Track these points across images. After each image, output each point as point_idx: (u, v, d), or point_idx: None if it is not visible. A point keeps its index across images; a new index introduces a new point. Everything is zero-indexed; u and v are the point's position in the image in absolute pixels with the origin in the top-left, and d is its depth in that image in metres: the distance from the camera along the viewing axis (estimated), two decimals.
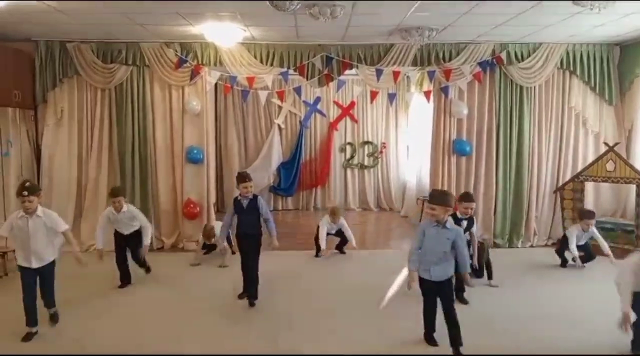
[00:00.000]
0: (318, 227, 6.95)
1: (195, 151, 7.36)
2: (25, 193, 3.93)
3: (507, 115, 7.56)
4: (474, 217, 5.03)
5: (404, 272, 6.20)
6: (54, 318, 4.45)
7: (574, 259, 6.07)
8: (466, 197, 5.05)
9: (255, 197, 5.10)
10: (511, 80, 7.46)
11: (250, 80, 7.40)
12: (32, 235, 4.08)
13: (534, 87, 7.54)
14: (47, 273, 4.26)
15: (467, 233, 5.04)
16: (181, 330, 4.40)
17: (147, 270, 5.95)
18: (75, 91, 7.32)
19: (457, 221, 4.88)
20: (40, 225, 4.14)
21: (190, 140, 7.44)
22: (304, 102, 10.49)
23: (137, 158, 7.33)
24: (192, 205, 7.37)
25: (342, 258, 6.99)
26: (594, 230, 6.18)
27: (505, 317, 4.70)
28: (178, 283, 5.82)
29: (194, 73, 7.26)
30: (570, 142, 7.75)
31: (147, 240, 5.59)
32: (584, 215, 6.20)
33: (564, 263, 6.51)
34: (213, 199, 7.97)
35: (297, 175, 10.76)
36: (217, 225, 6.30)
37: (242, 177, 5.03)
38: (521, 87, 7.49)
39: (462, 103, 7.52)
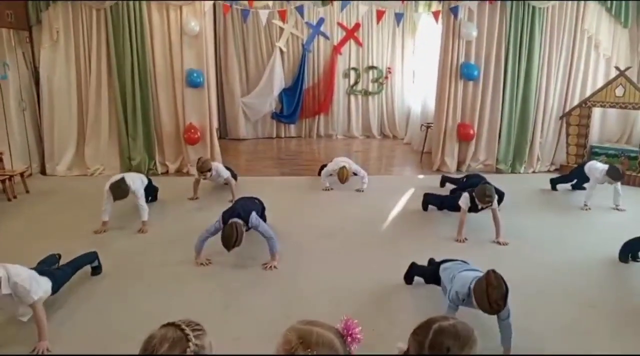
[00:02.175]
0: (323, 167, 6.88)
1: (195, 74, 7.19)
2: None
3: (517, 37, 7.30)
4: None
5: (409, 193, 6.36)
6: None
7: (585, 205, 5.80)
8: (483, 199, 4.60)
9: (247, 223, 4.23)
10: (524, 0, 7.12)
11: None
12: None
13: (547, 7, 7.21)
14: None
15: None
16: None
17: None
18: (70, 11, 7.03)
19: (475, 208, 4.76)
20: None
21: (189, 63, 7.26)
22: (306, 23, 10.09)
23: (137, 81, 7.17)
24: (192, 130, 7.32)
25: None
26: (617, 186, 5.76)
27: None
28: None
29: None
30: (580, 66, 7.56)
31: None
32: (614, 176, 5.61)
33: (553, 188, 6.64)
34: (215, 124, 7.91)
35: (299, 101, 10.57)
36: (214, 165, 6.02)
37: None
38: (533, 8, 7.17)
39: (471, 24, 7.23)
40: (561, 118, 7.64)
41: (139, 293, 3.76)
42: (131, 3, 6.96)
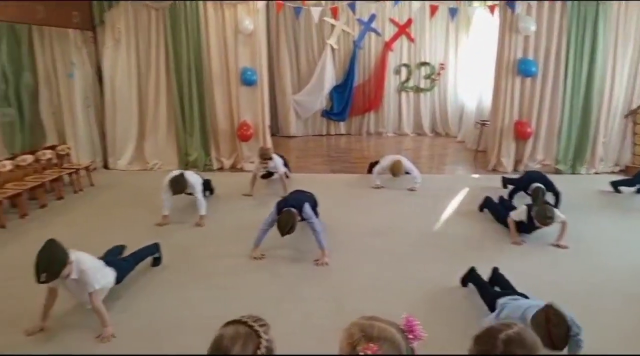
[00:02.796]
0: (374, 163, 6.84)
1: (249, 72, 7.33)
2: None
3: (579, 31, 6.97)
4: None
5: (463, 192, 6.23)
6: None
7: None
8: (543, 221, 4.35)
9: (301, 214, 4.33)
10: None
11: None
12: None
13: (613, 2, 6.83)
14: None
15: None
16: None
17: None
18: (131, 12, 7.35)
19: (533, 225, 4.54)
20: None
21: (243, 61, 7.41)
22: (358, 20, 10.05)
23: (193, 79, 7.40)
24: (246, 127, 7.47)
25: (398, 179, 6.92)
26: None
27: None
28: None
29: None
30: None
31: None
32: None
33: (616, 191, 6.29)
34: (268, 121, 8.03)
35: (349, 99, 10.55)
36: (274, 157, 6.21)
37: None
38: (598, 1, 6.81)
39: (530, 18, 6.96)
40: (626, 116, 7.24)
41: (195, 284, 3.89)
42: (188, 3, 7.17)
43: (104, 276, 3.24)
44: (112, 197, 6.26)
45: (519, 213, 4.65)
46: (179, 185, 5.03)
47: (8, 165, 5.59)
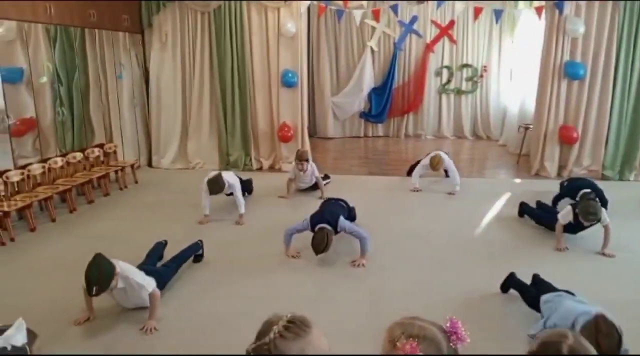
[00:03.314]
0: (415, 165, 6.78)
1: (290, 74, 7.42)
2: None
3: (631, 33, 6.70)
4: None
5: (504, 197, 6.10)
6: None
7: None
8: (588, 217, 4.28)
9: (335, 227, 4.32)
10: None
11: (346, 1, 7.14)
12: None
13: None
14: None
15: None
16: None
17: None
18: (177, 15, 7.58)
19: (580, 225, 4.46)
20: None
21: (285, 64, 7.50)
22: (399, 22, 10.00)
23: (236, 81, 7.56)
24: (286, 129, 7.55)
25: (437, 183, 6.84)
26: None
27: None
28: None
29: None
30: None
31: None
32: None
33: None
34: (306, 123, 8.10)
35: (388, 100, 10.50)
36: (312, 163, 6.24)
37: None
38: None
39: (578, 20, 6.75)
40: None
41: (234, 281, 3.98)
42: (233, 6, 7.33)
43: (147, 284, 3.31)
44: (155, 195, 6.46)
45: (565, 214, 4.51)
46: (216, 186, 5.13)
47: (59, 161, 5.87)
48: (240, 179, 5.94)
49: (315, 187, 6.30)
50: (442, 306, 3.53)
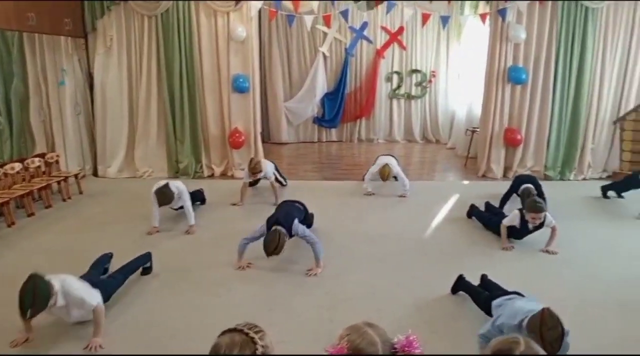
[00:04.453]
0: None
1: (241, 79, 7.34)
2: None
3: (568, 39, 7.07)
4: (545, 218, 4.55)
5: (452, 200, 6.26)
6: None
7: None
8: (534, 208, 4.45)
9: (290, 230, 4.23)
10: (576, 1, 6.88)
11: (296, 4, 7.16)
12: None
13: (601, 8, 6.94)
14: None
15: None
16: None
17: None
18: (123, 19, 7.35)
19: (526, 229, 4.63)
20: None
21: (235, 68, 7.41)
22: (350, 28, 10.11)
23: (185, 86, 7.40)
24: (237, 135, 7.46)
25: (388, 186, 6.93)
26: None
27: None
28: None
29: None
30: (636, 69, 7.27)
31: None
32: None
33: (605, 196, 6.38)
34: (259, 128, 8.04)
35: (341, 105, 10.59)
36: (265, 163, 6.17)
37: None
38: (586, 8, 6.93)
39: (520, 26, 7.05)
40: (615, 123, 7.32)
41: (185, 293, 3.86)
42: (181, 9, 7.18)
43: (90, 297, 3.14)
44: (101, 205, 6.21)
45: (512, 218, 4.68)
46: (164, 197, 4.94)
47: None
48: (196, 190, 5.83)
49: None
50: (396, 310, 3.58)
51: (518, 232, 4.71)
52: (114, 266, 3.99)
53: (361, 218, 5.69)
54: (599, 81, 7.22)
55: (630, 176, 6.38)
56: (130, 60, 7.46)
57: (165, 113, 7.49)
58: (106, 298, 3.38)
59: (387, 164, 6.46)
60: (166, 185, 5.01)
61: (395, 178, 6.59)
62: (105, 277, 3.75)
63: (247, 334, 1.48)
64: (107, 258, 4.02)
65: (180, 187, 5.21)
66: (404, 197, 6.41)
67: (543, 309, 2.50)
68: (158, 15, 7.23)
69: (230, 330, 1.52)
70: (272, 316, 3.50)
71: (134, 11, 7.26)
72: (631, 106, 7.20)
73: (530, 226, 4.56)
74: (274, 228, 4.11)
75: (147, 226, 5.16)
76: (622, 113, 7.26)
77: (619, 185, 6.37)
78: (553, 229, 4.59)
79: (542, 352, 1.58)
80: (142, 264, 4.06)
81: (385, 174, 6.40)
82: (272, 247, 3.99)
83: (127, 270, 3.84)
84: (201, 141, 7.61)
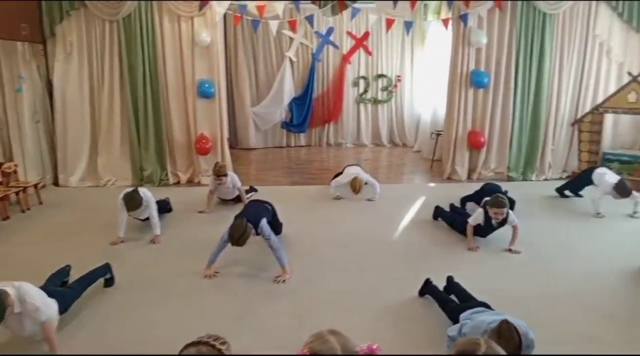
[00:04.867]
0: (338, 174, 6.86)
1: (206, 85, 7.26)
2: None
3: (527, 44, 7.28)
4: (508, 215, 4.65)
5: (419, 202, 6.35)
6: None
7: (598, 213, 5.77)
8: (496, 203, 4.59)
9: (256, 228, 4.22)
10: (534, 6, 7.11)
11: (261, 9, 7.14)
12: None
13: (558, 14, 7.20)
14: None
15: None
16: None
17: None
18: (83, 24, 7.16)
19: (490, 225, 4.74)
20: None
21: (200, 73, 7.32)
22: (316, 33, 10.15)
23: (148, 92, 7.26)
24: (204, 141, 7.37)
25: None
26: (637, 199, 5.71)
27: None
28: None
29: (203, 2, 7.00)
30: (592, 72, 7.54)
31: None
32: (621, 193, 5.58)
33: (563, 196, 6.60)
34: (226, 134, 7.97)
35: (309, 110, 10.61)
36: (230, 174, 6.07)
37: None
38: (544, 14, 7.15)
39: (481, 32, 7.23)
40: (573, 124, 7.58)
41: (151, 304, 3.78)
42: (143, 14, 7.06)
43: (46, 306, 3.04)
44: (62, 216, 6.02)
45: (476, 217, 4.78)
46: (133, 201, 4.83)
47: None
48: (161, 199, 5.73)
49: (238, 199, 6.19)
50: (364, 314, 3.60)
51: (482, 230, 4.82)
52: (74, 279, 3.87)
53: (330, 223, 5.71)
54: (557, 84, 7.46)
55: (581, 174, 6.66)
56: (91, 67, 7.27)
57: (128, 120, 7.33)
58: (63, 309, 3.28)
59: (357, 176, 6.48)
60: (135, 190, 4.92)
61: (366, 183, 6.64)
62: (63, 288, 3.62)
63: (213, 346, 1.49)
64: (65, 272, 3.90)
65: (147, 195, 5.11)
66: (373, 200, 6.47)
67: (501, 322, 2.57)
68: (120, 20, 7.07)
69: (194, 343, 1.52)
70: (241, 325, 3.47)
71: (94, 16, 7.09)
72: (588, 108, 7.46)
73: (494, 222, 4.68)
74: (240, 218, 4.07)
75: (111, 236, 5.02)
76: (579, 115, 7.52)
77: (572, 184, 6.60)
78: (515, 228, 4.71)
79: (503, 352, 1.63)
80: (101, 275, 3.94)
81: (356, 186, 6.41)
82: (238, 234, 3.93)
83: (85, 281, 3.72)
84: (166, 148, 7.48)
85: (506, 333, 2.48)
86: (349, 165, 6.95)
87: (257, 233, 4.21)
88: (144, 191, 5.11)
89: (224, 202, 6.35)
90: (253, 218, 4.20)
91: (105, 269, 3.99)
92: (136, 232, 5.26)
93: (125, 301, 3.81)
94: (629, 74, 6.94)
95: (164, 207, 5.64)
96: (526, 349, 2.65)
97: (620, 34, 7.37)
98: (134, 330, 3.40)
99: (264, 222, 4.25)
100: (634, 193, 5.61)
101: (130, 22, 7.09)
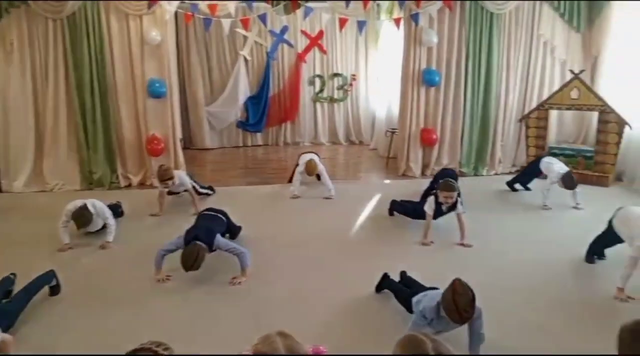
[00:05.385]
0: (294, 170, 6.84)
1: (157, 84, 7.08)
2: None
3: (476, 43, 7.49)
4: (457, 200, 4.82)
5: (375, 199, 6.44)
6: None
7: (545, 205, 5.96)
8: (446, 187, 4.73)
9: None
10: (482, 6, 7.32)
11: (212, 7, 7.03)
12: None
13: (505, 14, 7.44)
14: None
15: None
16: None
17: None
18: (25, 22, 6.82)
19: (439, 211, 4.86)
20: None
21: (151, 73, 7.13)
22: (270, 31, 10.09)
23: (96, 92, 7.00)
24: (156, 142, 7.19)
25: (314, 188, 6.98)
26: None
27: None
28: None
29: (151, 1, 6.82)
30: (537, 70, 7.83)
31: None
32: (567, 185, 5.79)
33: (513, 190, 6.82)
34: (179, 134, 7.81)
35: (265, 109, 10.54)
36: (177, 174, 5.90)
37: None
38: (491, 14, 7.38)
39: (432, 31, 7.38)
40: (520, 120, 7.86)
41: (102, 311, 3.66)
42: (89, 12, 6.81)
43: None
44: (6, 222, 5.73)
45: (430, 204, 4.89)
46: (82, 219, 4.67)
47: None
48: (113, 203, 5.56)
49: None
50: (322, 313, 3.61)
51: (434, 214, 4.92)
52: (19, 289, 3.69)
53: (287, 222, 5.69)
54: (505, 82, 7.71)
55: (528, 165, 6.93)
56: (34, 67, 6.95)
57: (75, 122, 7.05)
58: (7, 325, 3.12)
59: (311, 159, 6.51)
60: (84, 207, 4.72)
61: (318, 177, 6.65)
62: (5, 302, 3.44)
63: (155, 352, 1.45)
64: (10, 280, 3.72)
65: (97, 205, 4.94)
66: (330, 198, 6.49)
67: (454, 280, 2.75)
68: (64, 18, 6.80)
69: (136, 350, 1.49)
70: (195, 329, 3.41)
71: (36, 14, 6.78)
72: (534, 105, 7.74)
73: (444, 207, 4.81)
74: (193, 242, 3.97)
75: (59, 243, 4.82)
76: (526, 111, 7.80)
77: (521, 177, 6.86)
78: (459, 217, 4.84)
79: (452, 349, 1.63)
80: (46, 283, 3.78)
81: (311, 168, 6.43)
82: (190, 262, 3.86)
83: (29, 291, 3.56)
84: (116, 150, 7.25)
85: (460, 289, 2.68)
86: (303, 153, 6.94)
87: (212, 250, 4.12)
88: (92, 202, 4.92)
89: (180, 200, 6.20)
90: (206, 237, 4.08)
91: (50, 276, 3.82)
92: (85, 237, 5.08)
93: (75, 310, 3.67)
94: (571, 71, 7.24)
95: (115, 211, 5.46)
96: (478, 336, 2.78)
97: (562, 33, 7.69)
98: (84, 340, 3.27)
99: (218, 238, 4.17)
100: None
101: (75, 20, 6.82)
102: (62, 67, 6.96)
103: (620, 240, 4.09)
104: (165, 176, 5.62)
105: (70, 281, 4.03)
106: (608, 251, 4.42)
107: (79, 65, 6.92)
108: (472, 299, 2.68)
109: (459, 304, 2.66)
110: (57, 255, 4.68)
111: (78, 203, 4.80)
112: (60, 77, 6.97)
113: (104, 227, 5.06)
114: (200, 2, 7.35)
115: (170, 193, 6.06)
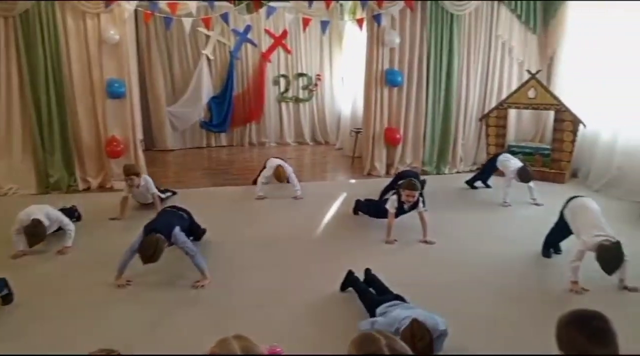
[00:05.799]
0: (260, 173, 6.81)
1: (116, 84, 6.90)
2: None
3: (437, 44, 7.63)
4: (419, 199, 4.93)
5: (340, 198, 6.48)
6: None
7: (505, 202, 6.12)
8: (409, 186, 4.83)
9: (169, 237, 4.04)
10: (442, 7, 7.46)
11: (173, 6, 6.90)
12: None
13: (464, 15, 7.61)
14: None
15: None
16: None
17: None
18: None
19: (401, 209, 4.94)
20: None
21: (109, 73, 6.94)
22: (233, 30, 9.99)
23: (52, 93, 6.76)
24: (115, 143, 7.00)
25: (280, 189, 6.95)
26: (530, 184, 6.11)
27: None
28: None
29: (107, 1, 6.64)
30: (496, 70, 8.05)
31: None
32: (523, 178, 5.98)
33: (473, 188, 7.00)
34: (140, 135, 7.64)
35: (229, 109, 10.42)
36: (144, 178, 5.84)
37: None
38: (452, 15, 7.53)
39: (394, 32, 7.47)
40: (480, 119, 8.05)
41: (60, 318, 3.55)
42: (43, 10, 6.56)
43: None
44: None
45: (392, 202, 4.96)
46: (37, 237, 4.50)
47: None
48: (68, 206, 5.39)
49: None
50: (286, 314, 3.61)
51: (396, 213, 4.98)
52: None
53: (252, 223, 5.66)
54: (465, 82, 7.90)
55: (486, 163, 7.13)
56: None
57: (30, 124, 6.77)
58: None
59: (280, 165, 6.50)
60: (37, 222, 4.50)
61: (287, 180, 6.65)
62: None
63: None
64: None
65: (51, 214, 4.78)
66: (298, 198, 6.50)
67: (412, 321, 2.77)
68: (16, 16, 6.53)
69: None
70: (156, 334, 3.35)
71: None
72: (493, 104, 7.95)
73: (406, 206, 4.89)
74: (151, 234, 3.89)
75: (12, 250, 4.64)
76: (486, 110, 8.00)
77: (480, 175, 7.04)
78: (421, 215, 4.95)
79: (406, 347, 1.63)
80: None
81: (280, 175, 6.45)
82: (149, 252, 3.76)
83: None
84: (74, 152, 7.01)
85: (418, 333, 2.70)
86: (271, 158, 6.93)
87: (171, 243, 4.05)
88: (46, 213, 4.74)
89: (143, 206, 6.07)
90: (164, 228, 4.01)
91: (1, 284, 3.67)
92: (43, 243, 4.88)
93: (30, 319, 3.54)
94: (528, 72, 7.47)
95: (70, 216, 5.29)
96: (437, 339, 2.84)
97: (519, 34, 7.93)
98: (42, 348, 3.15)
99: (177, 230, 4.09)
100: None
101: (28, 18, 6.56)
102: (15, 67, 6.67)
103: (571, 232, 4.25)
104: (130, 171, 5.59)
105: (27, 288, 3.88)
106: (563, 245, 4.59)
107: (33, 65, 6.65)
108: (430, 342, 2.71)
109: (418, 348, 2.66)
110: (11, 262, 4.50)
111: (32, 213, 4.59)
112: (13, 77, 6.68)
113: (59, 228, 4.90)
114: (160, 0, 7.20)
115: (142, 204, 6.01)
